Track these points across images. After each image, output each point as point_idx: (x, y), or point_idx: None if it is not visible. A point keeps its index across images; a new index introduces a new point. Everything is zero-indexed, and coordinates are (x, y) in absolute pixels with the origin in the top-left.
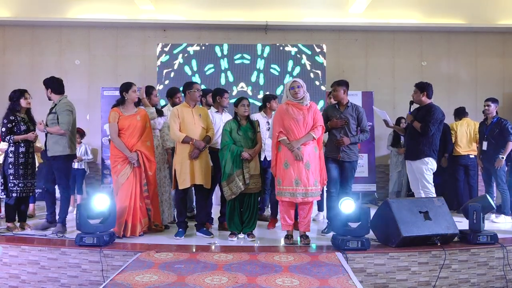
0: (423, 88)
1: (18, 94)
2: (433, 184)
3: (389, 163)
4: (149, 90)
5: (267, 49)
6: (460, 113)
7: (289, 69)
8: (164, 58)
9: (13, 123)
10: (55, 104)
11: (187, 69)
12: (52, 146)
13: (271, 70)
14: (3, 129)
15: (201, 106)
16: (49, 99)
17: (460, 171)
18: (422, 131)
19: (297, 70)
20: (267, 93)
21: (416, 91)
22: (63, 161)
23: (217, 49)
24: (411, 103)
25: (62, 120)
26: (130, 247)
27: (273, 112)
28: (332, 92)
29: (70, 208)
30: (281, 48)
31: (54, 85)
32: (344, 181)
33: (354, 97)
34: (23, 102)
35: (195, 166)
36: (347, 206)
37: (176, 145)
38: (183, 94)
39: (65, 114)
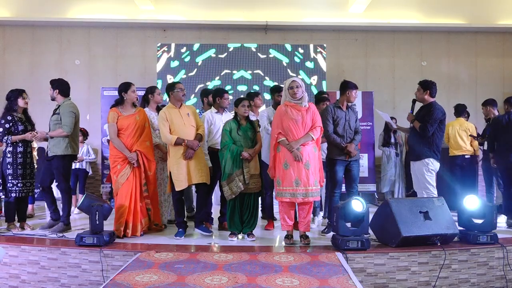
0: (427, 86)
1: (16, 94)
2: (434, 185)
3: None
4: (152, 89)
5: (267, 49)
6: (459, 112)
7: (289, 69)
8: (163, 58)
9: (11, 123)
10: (59, 106)
11: (186, 69)
12: (53, 146)
13: (271, 71)
14: (1, 130)
15: (203, 105)
16: (53, 99)
17: (457, 171)
18: (421, 131)
19: (297, 70)
20: (251, 91)
21: (419, 89)
22: (62, 161)
23: (217, 49)
24: (414, 101)
25: (65, 122)
26: (130, 247)
27: (259, 109)
28: (354, 94)
29: (71, 208)
30: (281, 48)
31: (63, 87)
32: (351, 180)
33: None
34: (20, 102)
35: (190, 166)
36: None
37: (169, 148)
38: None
39: (68, 116)
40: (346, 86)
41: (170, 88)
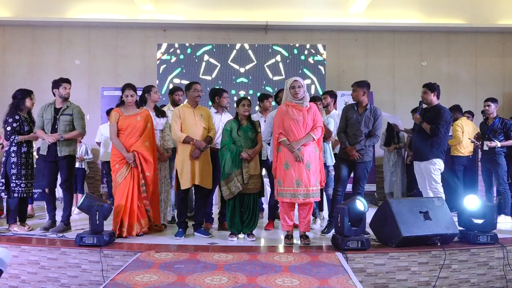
0: (434, 88)
1: (24, 94)
2: (441, 184)
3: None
4: (149, 88)
5: (267, 49)
6: (456, 112)
7: (289, 69)
8: (164, 58)
9: (18, 123)
10: (67, 106)
11: (186, 69)
12: (64, 147)
13: (271, 71)
14: (8, 128)
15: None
16: (65, 98)
17: (460, 172)
18: (432, 133)
19: (297, 70)
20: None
21: (426, 91)
22: (71, 161)
23: (217, 49)
24: (421, 103)
25: (81, 124)
26: (130, 247)
27: (269, 112)
28: (352, 93)
29: (72, 208)
30: (281, 48)
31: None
32: (355, 181)
33: None
34: (28, 102)
35: (195, 166)
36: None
37: (178, 146)
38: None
39: (82, 118)
40: None
41: (187, 88)
